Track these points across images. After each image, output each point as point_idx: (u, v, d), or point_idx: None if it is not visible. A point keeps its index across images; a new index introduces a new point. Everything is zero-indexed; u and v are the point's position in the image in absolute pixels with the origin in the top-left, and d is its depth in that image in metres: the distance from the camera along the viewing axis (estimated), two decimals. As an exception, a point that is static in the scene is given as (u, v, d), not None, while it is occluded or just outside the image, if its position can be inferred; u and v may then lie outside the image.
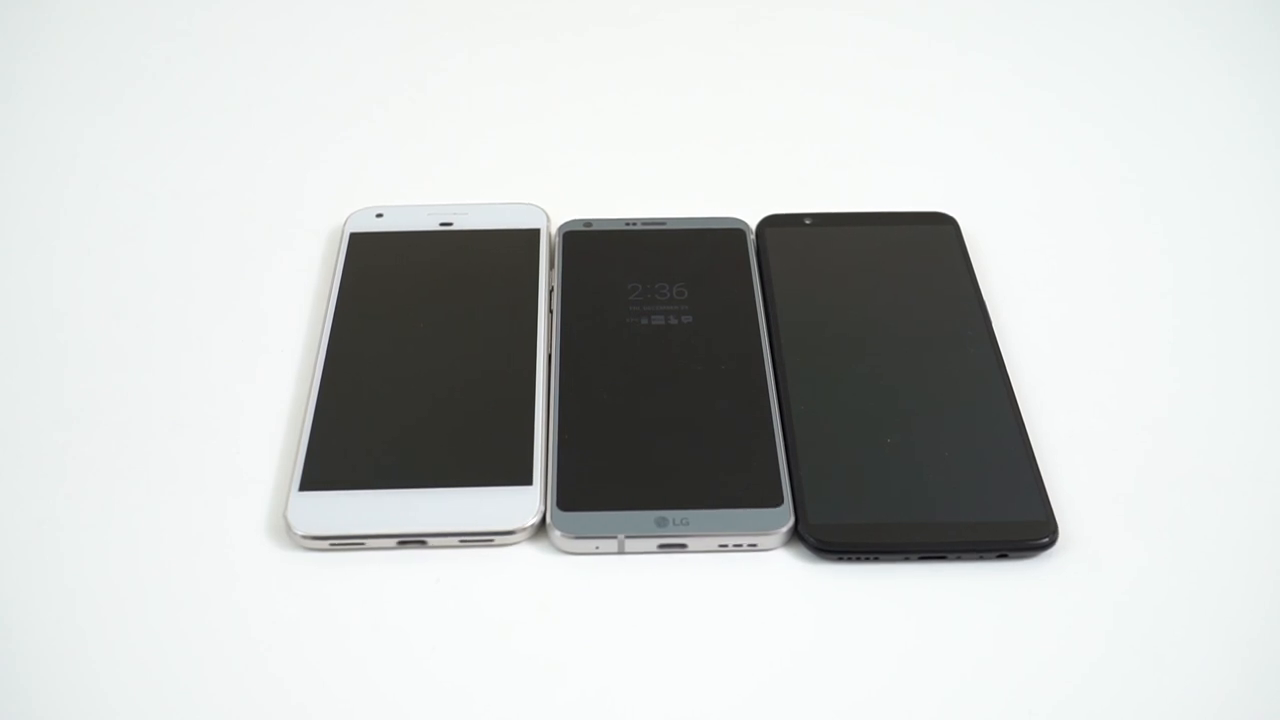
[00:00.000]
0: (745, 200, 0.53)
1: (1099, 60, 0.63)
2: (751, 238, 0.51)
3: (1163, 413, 0.46)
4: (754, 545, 0.41)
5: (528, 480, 0.42)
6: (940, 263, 0.50)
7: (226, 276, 0.51)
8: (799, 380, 0.45)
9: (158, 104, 0.59)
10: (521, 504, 0.41)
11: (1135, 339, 0.49)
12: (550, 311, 0.48)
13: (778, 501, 0.41)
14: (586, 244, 0.51)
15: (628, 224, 0.51)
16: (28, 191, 0.55)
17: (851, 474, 0.42)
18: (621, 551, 0.41)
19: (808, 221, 0.52)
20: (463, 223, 0.51)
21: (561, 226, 0.51)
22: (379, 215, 0.51)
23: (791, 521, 0.41)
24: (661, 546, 0.41)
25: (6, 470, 0.43)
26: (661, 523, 0.40)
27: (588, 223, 0.51)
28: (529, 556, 0.41)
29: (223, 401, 0.46)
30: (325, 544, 0.41)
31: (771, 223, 0.52)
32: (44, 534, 0.42)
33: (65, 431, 0.45)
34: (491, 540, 0.41)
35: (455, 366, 0.46)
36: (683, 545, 0.41)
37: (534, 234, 0.51)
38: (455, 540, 0.41)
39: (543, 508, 0.41)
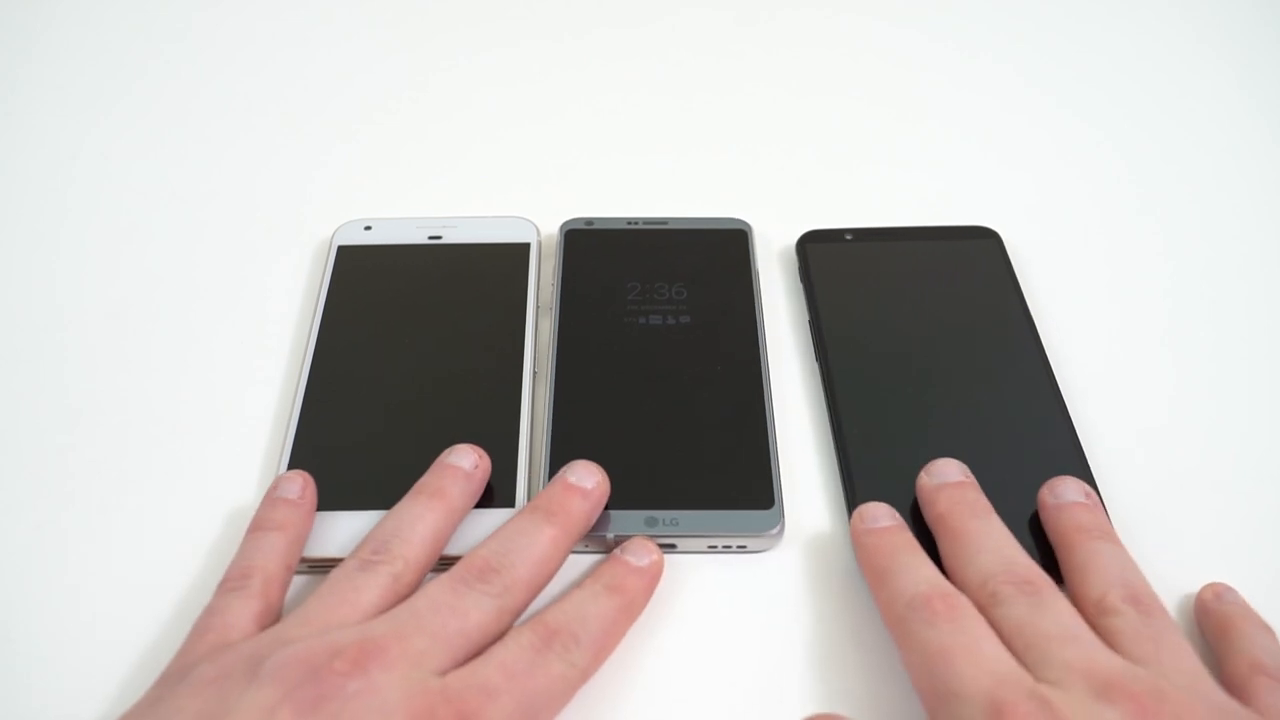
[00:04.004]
0: (747, 202, 0.52)
1: (1132, 65, 0.61)
2: (753, 238, 0.49)
3: (1225, 428, 0.44)
4: (743, 547, 0.39)
5: (510, 503, 0.40)
6: (986, 278, 0.48)
7: (214, 290, 0.49)
8: (850, 400, 0.43)
9: (148, 118, 0.58)
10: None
11: (1186, 351, 0.47)
12: (537, 327, 0.46)
13: (769, 504, 0.39)
14: (587, 242, 0.49)
15: (629, 223, 0.50)
16: (25, 194, 0.54)
17: (904, 496, 0.40)
18: (611, 550, 0.39)
19: (848, 237, 0.50)
20: (452, 236, 0.49)
21: (563, 225, 0.50)
22: (367, 228, 0.50)
23: (781, 524, 0.39)
24: (651, 547, 0.39)
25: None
26: (651, 522, 0.39)
27: (589, 221, 0.50)
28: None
29: (203, 421, 0.44)
30: (303, 565, 0.39)
31: (812, 238, 0.50)
32: (46, 537, 0.40)
33: (67, 435, 0.44)
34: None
35: (440, 385, 0.44)
36: (672, 545, 0.39)
37: (523, 248, 0.49)
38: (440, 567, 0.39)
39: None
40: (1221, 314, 0.48)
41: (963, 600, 0.34)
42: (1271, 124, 0.57)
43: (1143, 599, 0.34)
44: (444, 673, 0.32)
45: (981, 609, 0.33)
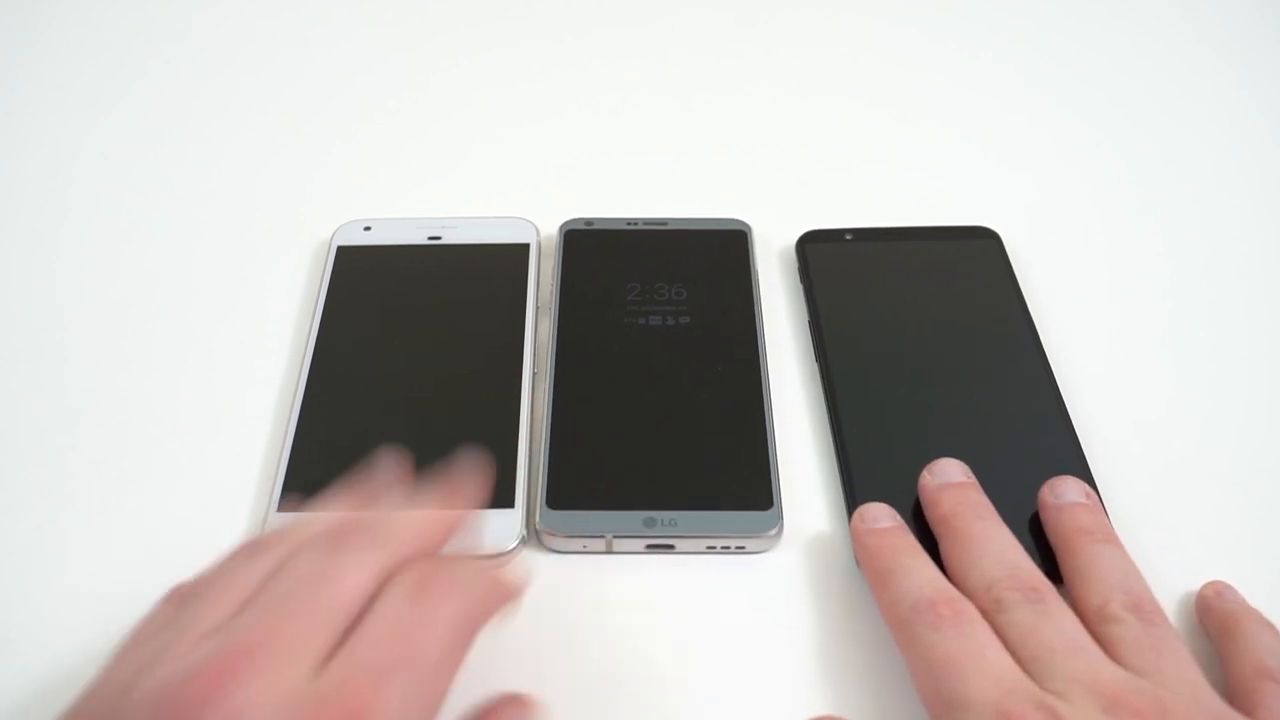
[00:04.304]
0: (747, 202, 0.52)
1: (1132, 65, 0.61)
2: (753, 239, 0.49)
3: (1225, 430, 0.43)
4: (742, 548, 0.39)
5: (509, 503, 0.40)
6: (986, 278, 0.48)
7: (214, 290, 0.49)
8: (850, 400, 0.43)
9: (148, 118, 0.58)
10: (503, 527, 0.39)
11: (1186, 351, 0.47)
12: (536, 328, 0.46)
13: (768, 504, 0.39)
14: (587, 243, 0.49)
15: (629, 223, 0.50)
16: (25, 194, 0.54)
17: (904, 497, 0.40)
18: (609, 551, 0.39)
19: (848, 237, 0.50)
20: (451, 236, 0.49)
21: (563, 225, 0.50)
22: (367, 228, 0.50)
23: (780, 524, 0.39)
24: (649, 547, 0.39)
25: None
26: (650, 523, 0.39)
27: (589, 221, 0.50)
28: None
29: (203, 421, 0.44)
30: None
31: (812, 238, 0.50)
32: (46, 537, 0.40)
33: (67, 435, 0.43)
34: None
35: (440, 385, 0.44)
36: (670, 546, 0.39)
37: (523, 249, 0.49)
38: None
39: (524, 532, 0.39)
40: (1221, 314, 0.48)
41: (968, 606, 0.33)
42: (1271, 124, 0.57)
43: (1144, 606, 0.34)
44: (323, 660, 0.28)
45: (985, 614, 0.33)
